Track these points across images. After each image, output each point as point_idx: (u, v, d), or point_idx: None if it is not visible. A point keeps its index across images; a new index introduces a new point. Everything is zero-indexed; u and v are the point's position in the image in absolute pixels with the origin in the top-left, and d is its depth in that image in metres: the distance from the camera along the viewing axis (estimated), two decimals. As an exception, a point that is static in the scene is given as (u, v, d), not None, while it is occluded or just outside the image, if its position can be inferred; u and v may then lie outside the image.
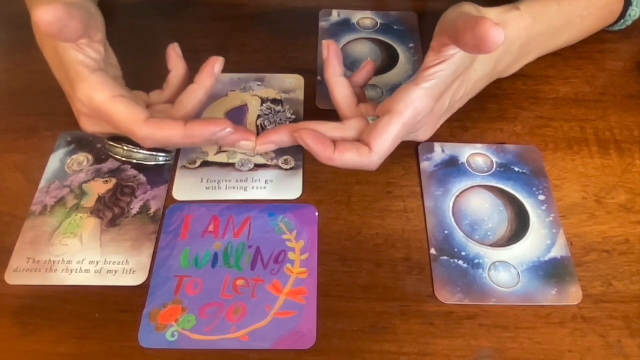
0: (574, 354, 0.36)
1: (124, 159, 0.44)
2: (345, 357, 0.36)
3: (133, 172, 0.45)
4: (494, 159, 0.46)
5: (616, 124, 0.49)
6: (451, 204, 0.43)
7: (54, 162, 0.46)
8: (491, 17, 0.35)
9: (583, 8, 0.48)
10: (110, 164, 0.45)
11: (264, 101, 0.50)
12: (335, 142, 0.40)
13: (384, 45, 0.55)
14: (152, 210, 0.43)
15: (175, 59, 0.43)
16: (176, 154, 0.46)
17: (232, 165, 0.45)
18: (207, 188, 0.44)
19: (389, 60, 0.53)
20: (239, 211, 0.43)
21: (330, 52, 0.43)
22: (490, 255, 0.40)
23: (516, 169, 0.45)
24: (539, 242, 0.41)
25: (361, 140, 0.40)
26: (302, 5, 0.59)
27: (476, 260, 0.40)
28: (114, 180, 0.44)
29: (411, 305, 0.38)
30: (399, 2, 0.60)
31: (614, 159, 0.46)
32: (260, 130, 0.47)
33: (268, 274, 0.39)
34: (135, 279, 0.39)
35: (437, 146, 0.47)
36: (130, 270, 0.40)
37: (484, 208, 0.43)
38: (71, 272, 0.39)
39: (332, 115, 0.44)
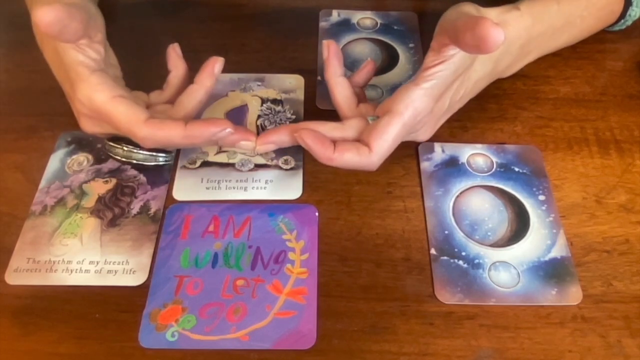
0: (574, 354, 0.36)
1: (123, 159, 0.44)
2: (345, 357, 0.36)
3: (133, 172, 0.45)
4: (494, 159, 0.46)
5: (616, 124, 0.49)
6: (451, 204, 0.43)
7: (54, 162, 0.46)
8: (491, 17, 0.35)
9: (583, 8, 0.48)
10: (110, 164, 0.45)
11: (264, 101, 0.50)
12: (335, 142, 0.40)
13: (384, 45, 0.55)
14: (152, 210, 0.43)
15: (175, 59, 0.43)
16: (176, 154, 0.46)
17: (232, 165, 0.45)
18: (207, 188, 0.44)
19: (389, 60, 0.53)
20: (239, 211, 0.43)
21: (330, 52, 0.43)
22: (490, 255, 0.40)
23: (516, 169, 0.45)
24: (539, 242, 0.41)
25: (361, 140, 0.40)
26: (302, 5, 0.59)
27: (476, 260, 0.40)
28: (114, 180, 0.44)
29: (411, 305, 0.38)
30: (399, 2, 0.60)
31: (614, 159, 0.46)
32: (260, 130, 0.47)
33: (268, 274, 0.39)
34: (135, 279, 0.39)
35: (437, 146, 0.47)
36: (130, 270, 0.40)
37: (484, 208, 0.43)
38: (71, 272, 0.39)
39: (332, 115, 0.44)
